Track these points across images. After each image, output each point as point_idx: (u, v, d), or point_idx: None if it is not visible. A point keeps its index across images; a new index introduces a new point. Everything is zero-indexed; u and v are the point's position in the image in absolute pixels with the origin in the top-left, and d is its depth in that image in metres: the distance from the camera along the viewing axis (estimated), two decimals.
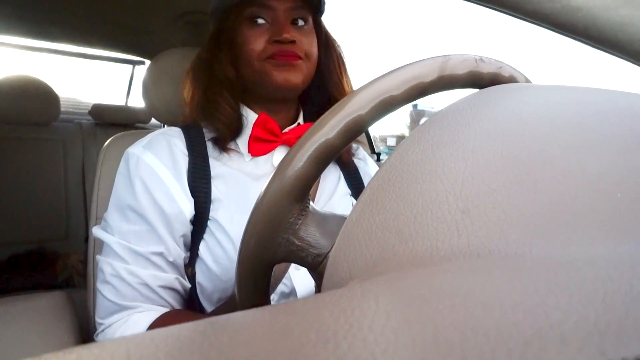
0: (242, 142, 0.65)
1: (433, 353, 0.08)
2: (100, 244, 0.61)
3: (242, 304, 0.33)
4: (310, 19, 0.64)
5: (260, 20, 0.60)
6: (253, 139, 0.64)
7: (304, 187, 0.28)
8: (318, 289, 0.30)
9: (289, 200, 0.28)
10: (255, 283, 0.32)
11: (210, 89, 0.63)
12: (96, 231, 0.60)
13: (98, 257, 0.59)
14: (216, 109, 0.62)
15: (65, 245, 1.69)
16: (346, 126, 0.26)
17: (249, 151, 0.64)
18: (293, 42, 0.59)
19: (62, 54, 2.08)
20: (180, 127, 0.66)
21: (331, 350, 0.09)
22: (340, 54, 0.70)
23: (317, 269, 0.30)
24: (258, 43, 0.59)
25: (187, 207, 0.59)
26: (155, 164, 0.59)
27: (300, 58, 0.60)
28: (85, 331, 0.76)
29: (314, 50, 0.63)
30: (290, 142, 0.65)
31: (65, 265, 1.59)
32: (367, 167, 0.77)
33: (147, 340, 0.10)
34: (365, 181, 0.75)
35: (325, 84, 0.68)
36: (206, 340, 0.10)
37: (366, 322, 0.10)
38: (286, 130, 0.66)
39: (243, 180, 0.62)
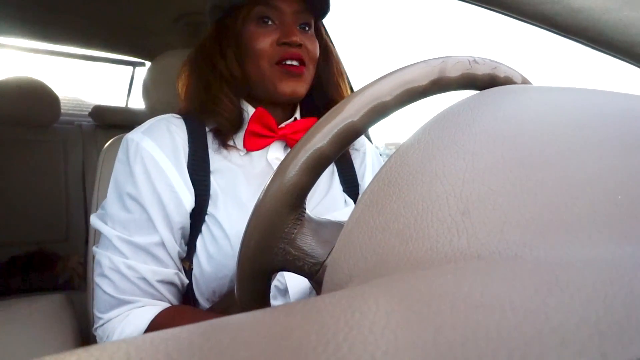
0: (239, 137, 0.65)
1: (433, 354, 0.08)
2: None
3: (242, 309, 0.33)
4: (312, 24, 0.65)
5: (268, 21, 0.61)
6: (249, 134, 0.64)
7: (298, 195, 0.28)
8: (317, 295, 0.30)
9: (284, 209, 0.28)
10: (255, 290, 0.32)
11: (212, 85, 0.63)
12: (94, 220, 0.59)
13: (95, 249, 0.58)
14: (217, 105, 0.62)
15: (66, 247, 1.68)
16: (338, 134, 0.26)
17: (244, 146, 0.64)
18: (300, 45, 0.60)
19: (62, 55, 2.08)
20: (182, 115, 0.65)
21: (331, 352, 0.09)
22: (338, 59, 0.72)
23: (314, 278, 0.30)
24: (266, 43, 0.60)
25: (188, 198, 0.58)
26: (155, 152, 0.58)
27: (304, 65, 0.61)
28: (85, 333, 0.76)
29: (317, 55, 0.65)
30: (287, 137, 0.65)
31: (65, 267, 1.59)
32: (365, 158, 0.76)
33: (147, 342, 0.10)
34: (362, 172, 0.75)
35: (324, 87, 0.69)
36: (206, 342, 0.10)
37: (366, 324, 0.10)
38: (282, 125, 0.67)
39: (239, 175, 0.63)
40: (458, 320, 0.10)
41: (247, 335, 0.10)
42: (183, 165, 0.59)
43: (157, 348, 0.10)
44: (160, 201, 0.57)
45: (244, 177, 0.63)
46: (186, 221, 0.59)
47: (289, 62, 0.60)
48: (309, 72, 0.63)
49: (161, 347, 0.10)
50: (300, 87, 0.61)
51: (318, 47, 0.65)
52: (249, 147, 0.64)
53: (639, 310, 0.09)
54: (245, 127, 0.64)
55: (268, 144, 0.65)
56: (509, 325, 0.09)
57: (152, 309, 0.56)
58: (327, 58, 0.69)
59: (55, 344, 0.70)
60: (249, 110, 0.65)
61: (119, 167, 0.60)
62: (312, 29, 0.65)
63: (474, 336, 0.09)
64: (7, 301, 0.80)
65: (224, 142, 0.63)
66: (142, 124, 0.63)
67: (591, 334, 0.08)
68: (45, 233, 1.67)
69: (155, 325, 0.55)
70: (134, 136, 0.60)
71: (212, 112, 0.62)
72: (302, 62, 0.61)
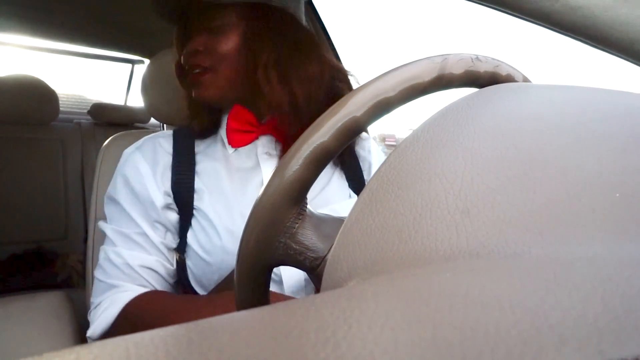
0: (224, 133, 0.68)
1: (432, 353, 0.08)
2: (98, 244, 0.63)
3: (241, 305, 0.33)
4: (232, 14, 0.62)
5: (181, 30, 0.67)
6: (230, 130, 0.66)
7: (300, 190, 0.28)
8: (317, 291, 0.30)
9: (286, 203, 0.28)
10: (254, 285, 0.32)
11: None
12: (100, 224, 0.66)
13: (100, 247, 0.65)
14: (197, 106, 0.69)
15: (64, 245, 1.69)
16: (341, 128, 0.26)
17: (229, 142, 0.67)
18: (196, 52, 0.62)
19: (61, 53, 2.08)
20: (176, 129, 0.71)
21: (330, 350, 0.09)
22: (299, 39, 0.64)
23: (315, 272, 0.30)
24: (179, 54, 0.67)
25: (158, 197, 0.63)
26: (139, 161, 0.65)
27: (206, 70, 0.63)
28: (84, 330, 0.76)
29: (224, 50, 0.62)
30: (272, 131, 0.67)
31: (64, 265, 1.59)
32: (369, 155, 0.76)
33: (147, 340, 0.10)
34: (366, 169, 0.75)
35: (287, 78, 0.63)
36: (205, 340, 0.10)
37: (365, 322, 0.10)
38: (264, 121, 0.67)
39: (224, 171, 0.66)
40: (457, 318, 0.10)
41: (247, 333, 0.10)
42: (159, 170, 0.65)
43: (157, 346, 0.10)
44: (135, 198, 0.63)
45: (229, 172, 0.66)
46: (164, 219, 0.63)
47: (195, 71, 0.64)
48: (215, 74, 0.63)
49: (161, 345, 0.10)
50: (203, 91, 0.64)
51: (233, 41, 0.62)
52: (234, 143, 0.66)
53: (636, 308, 0.09)
54: (224, 124, 0.68)
55: (253, 139, 0.67)
56: (507, 323, 0.09)
57: (130, 294, 0.60)
58: (278, 39, 0.63)
59: (55, 341, 0.70)
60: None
61: (114, 176, 0.67)
62: (231, 19, 0.62)
63: (472, 334, 0.09)
64: (7, 298, 0.80)
65: (204, 137, 0.68)
66: (138, 141, 0.69)
67: (589, 331, 0.08)
68: (44, 231, 1.67)
69: (129, 307, 0.59)
70: (129, 151, 0.68)
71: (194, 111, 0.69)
72: (203, 68, 0.63)
